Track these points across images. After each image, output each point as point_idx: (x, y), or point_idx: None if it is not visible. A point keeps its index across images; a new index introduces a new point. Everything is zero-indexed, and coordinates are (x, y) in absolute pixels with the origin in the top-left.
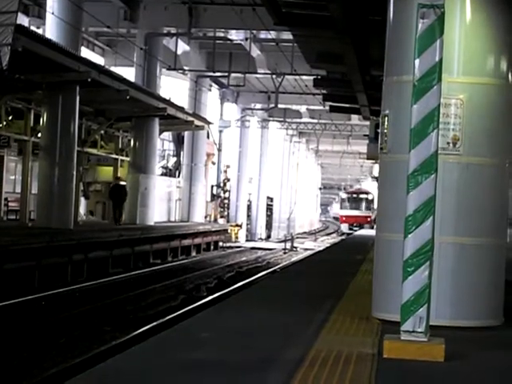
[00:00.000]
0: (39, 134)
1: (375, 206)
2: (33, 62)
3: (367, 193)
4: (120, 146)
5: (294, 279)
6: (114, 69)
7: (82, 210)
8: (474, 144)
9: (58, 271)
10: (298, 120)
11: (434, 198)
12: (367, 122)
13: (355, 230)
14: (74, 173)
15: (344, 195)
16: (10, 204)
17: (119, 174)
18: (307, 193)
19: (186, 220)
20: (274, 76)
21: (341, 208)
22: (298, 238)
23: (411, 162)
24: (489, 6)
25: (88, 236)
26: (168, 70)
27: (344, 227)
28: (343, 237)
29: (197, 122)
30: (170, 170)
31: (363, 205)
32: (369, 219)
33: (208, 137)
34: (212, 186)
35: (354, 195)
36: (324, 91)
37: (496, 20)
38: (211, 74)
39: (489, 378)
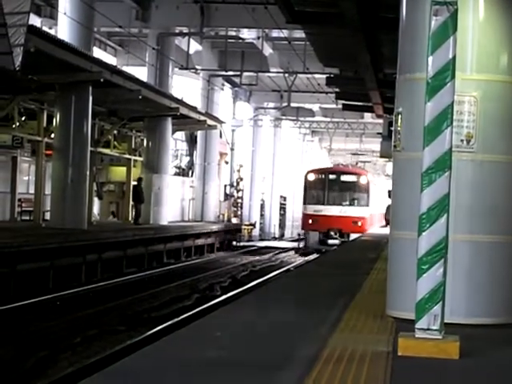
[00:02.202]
0: (52, 135)
1: (372, 198)
2: (45, 63)
3: (358, 174)
4: (133, 146)
5: (308, 278)
6: (126, 69)
7: (95, 210)
8: (488, 141)
9: (73, 271)
10: (311, 119)
11: (448, 195)
12: (380, 120)
13: (332, 245)
14: (88, 173)
15: (312, 176)
16: (23, 205)
17: (132, 174)
18: None
19: (200, 219)
20: (286, 75)
21: (304, 202)
22: None
23: (425, 159)
24: (502, 2)
25: (102, 236)
26: (180, 69)
27: (312, 238)
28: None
29: (209, 122)
30: (184, 169)
31: (351, 196)
32: (360, 223)
33: (221, 136)
34: (225, 186)
35: (332, 176)
36: (337, 89)
37: (510, 16)
38: (223, 73)
39: (504, 375)
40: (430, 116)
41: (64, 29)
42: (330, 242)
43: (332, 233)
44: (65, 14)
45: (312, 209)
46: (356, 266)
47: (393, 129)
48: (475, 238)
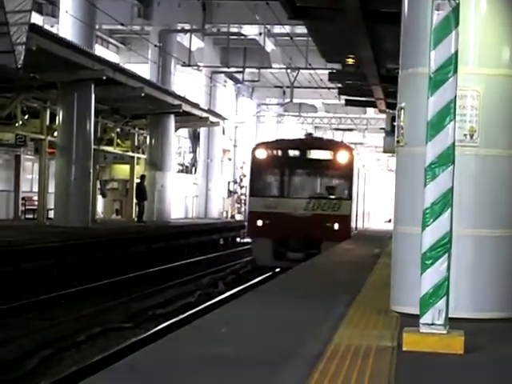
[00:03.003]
0: (55, 133)
1: (358, 186)
2: (47, 61)
3: (335, 149)
4: (136, 143)
5: (311, 273)
6: (128, 66)
7: (99, 208)
8: (491, 135)
9: (76, 269)
10: (314, 114)
11: (452, 190)
12: (383, 116)
13: (294, 261)
14: (91, 171)
15: (262, 153)
16: (27, 203)
17: (135, 172)
18: None
19: (203, 216)
20: (288, 71)
21: (251, 192)
22: None
23: (428, 154)
24: None
25: (106, 234)
26: (182, 66)
27: (262, 250)
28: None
29: (212, 119)
30: (187, 166)
31: (324, 183)
32: (338, 226)
33: (223, 133)
34: (228, 182)
35: (294, 152)
36: (339, 85)
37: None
38: (226, 69)
39: (509, 369)
40: (433, 111)
41: (66, 27)
42: (291, 256)
43: (293, 242)
44: (66, 12)
45: (262, 204)
46: (359, 261)
47: (396, 124)
48: (479, 233)
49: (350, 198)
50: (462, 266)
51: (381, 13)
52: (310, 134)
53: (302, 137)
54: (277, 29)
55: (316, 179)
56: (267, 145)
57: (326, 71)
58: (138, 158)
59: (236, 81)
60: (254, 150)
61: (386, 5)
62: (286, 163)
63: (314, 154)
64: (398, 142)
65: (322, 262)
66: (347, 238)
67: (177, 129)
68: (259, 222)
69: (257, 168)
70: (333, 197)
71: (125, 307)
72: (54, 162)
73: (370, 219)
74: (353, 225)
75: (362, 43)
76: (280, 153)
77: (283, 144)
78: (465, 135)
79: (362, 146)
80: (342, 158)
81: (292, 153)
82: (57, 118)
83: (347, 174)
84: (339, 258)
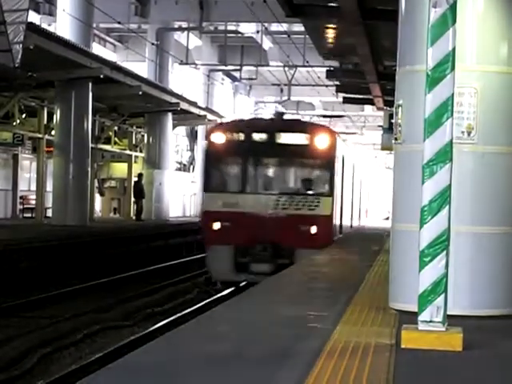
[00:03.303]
0: (53, 132)
1: (341, 179)
2: (45, 60)
3: (312, 132)
4: (134, 141)
5: (309, 271)
6: (125, 64)
7: (97, 206)
8: (489, 133)
9: (77, 267)
10: (311, 112)
11: (450, 187)
12: (381, 113)
13: (260, 274)
14: (89, 169)
15: (219, 137)
16: (25, 202)
17: (133, 170)
18: None
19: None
20: (286, 68)
21: (205, 187)
22: None
23: (426, 151)
24: None
25: (105, 232)
26: (180, 64)
27: (220, 261)
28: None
29: (210, 117)
30: (185, 165)
31: (297, 175)
32: (316, 229)
33: None
34: None
35: (259, 136)
36: (337, 82)
37: (509, 7)
38: (223, 67)
39: (508, 366)
40: (431, 108)
41: (63, 25)
42: (256, 268)
43: (259, 250)
44: (64, 10)
45: (220, 202)
46: (358, 259)
47: (393, 121)
48: (477, 230)
49: (330, 193)
50: (460, 263)
51: (378, 10)
52: (282, 113)
53: (271, 117)
54: (274, 27)
55: (288, 170)
56: (226, 127)
57: (324, 69)
58: (136, 157)
59: (233, 79)
60: (210, 133)
61: (382, 2)
62: (250, 150)
63: (286, 138)
64: (395, 139)
65: (321, 259)
66: (328, 243)
67: (174, 127)
68: (216, 225)
69: (213, 156)
70: (310, 192)
71: (123, 305)
72: (51, 161)
73: (366, 216)
74: (336, 226)
75: (360, 40)
76: (242, 137)
77: (246, 126)
78: (462, 132)
79: (360, 144)
80: (320, 143)
81: (258, 136)
82: (54, 116)
83: (328, 163)
84: (338, 255)
